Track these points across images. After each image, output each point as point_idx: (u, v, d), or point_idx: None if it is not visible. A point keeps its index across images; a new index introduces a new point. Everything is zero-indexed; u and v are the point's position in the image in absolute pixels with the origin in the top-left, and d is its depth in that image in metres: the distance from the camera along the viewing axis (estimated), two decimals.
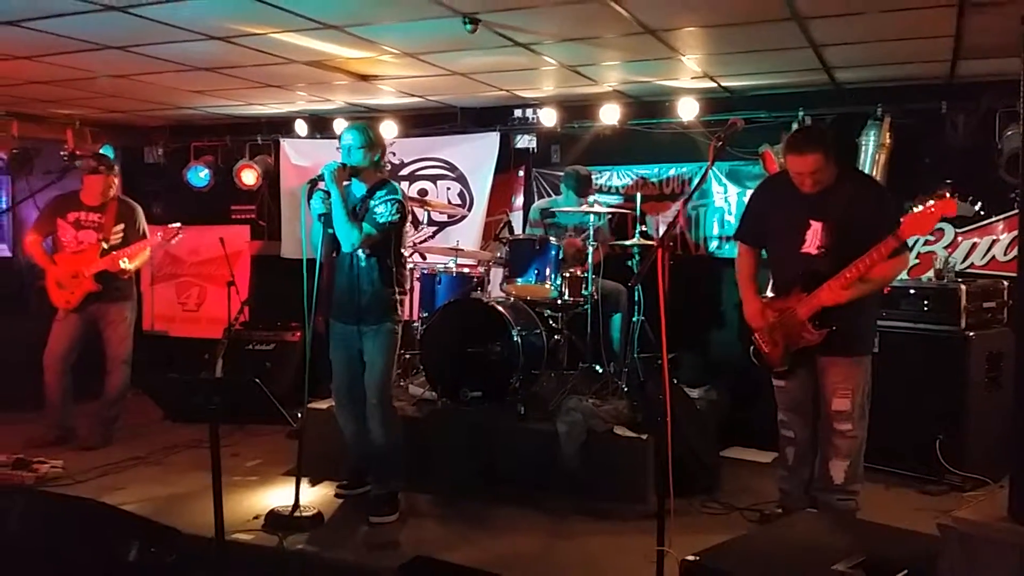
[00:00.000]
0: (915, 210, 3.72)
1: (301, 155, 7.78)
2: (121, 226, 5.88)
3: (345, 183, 4.42)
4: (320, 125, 7.69)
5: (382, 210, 4.39)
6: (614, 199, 6.93)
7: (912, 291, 5.37)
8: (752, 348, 4.33)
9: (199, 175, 8.00)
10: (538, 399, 5.31)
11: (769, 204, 4.36)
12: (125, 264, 5.75)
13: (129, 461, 5.50)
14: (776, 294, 4.28)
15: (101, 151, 7.60)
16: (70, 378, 5.88)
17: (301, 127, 7.66)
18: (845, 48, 5.17)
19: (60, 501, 4.08)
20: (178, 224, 6.05)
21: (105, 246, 5.76)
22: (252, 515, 4.50)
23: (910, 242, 6.00)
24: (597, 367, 5.64)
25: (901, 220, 3.80)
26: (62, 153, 7.72)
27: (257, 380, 3.24)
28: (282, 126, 7.86)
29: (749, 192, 6.42)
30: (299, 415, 4.89)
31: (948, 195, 3.70)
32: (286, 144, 7.82)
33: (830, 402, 4.12)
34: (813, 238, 4.07)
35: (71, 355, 5.85)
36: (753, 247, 4.44)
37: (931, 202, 3.69)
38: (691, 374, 5.98)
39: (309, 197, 4.45)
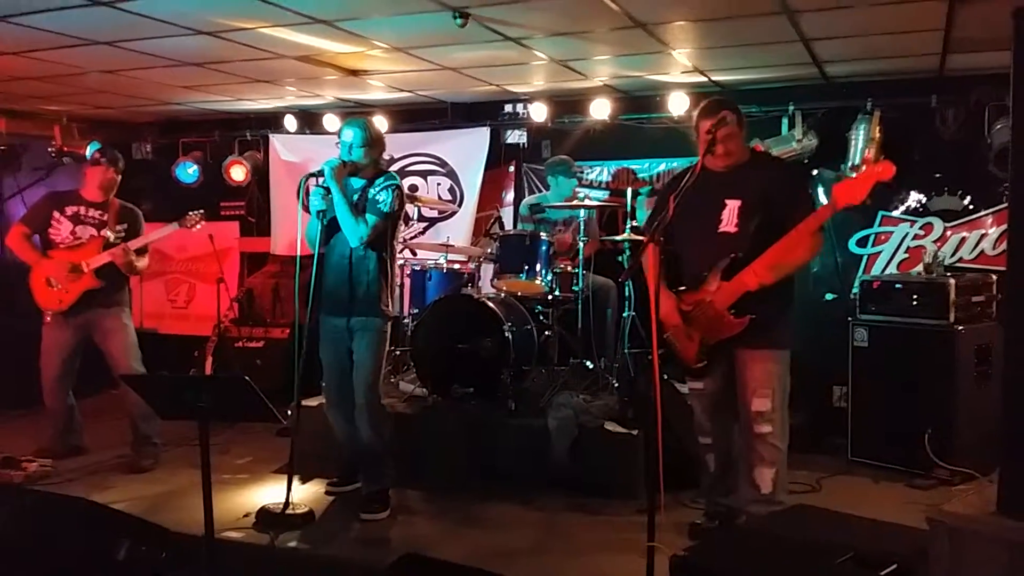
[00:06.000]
0: (848, 177, 3.62)
1: (290, 151, 7.74)
2: (124, 225, 5.41)
3: (345, 179, 4.40)
4: (309, 120, 7.66)
5: (383, 197, 4.38)
6: (604, 194, 6.93)
7: (901, 285, 5.39)
8: (663, 352, 4.01)
9: (187, 171, 7.96)
10: (529, 395, 5.31)
11: (681, 193, 3.82)
12: (132, 257, 5.26)
13: (118, 459, 5.47)
14: (688, 286, 4.02)
15: (90, 146, 7.57)
16: (72, 398, 5.48)
17: (290, 122, 7.62)
18: (835, 42, 5.17)
19: (49, 499, 4.05)
20: (200, 211, 5.61)
21: (111, 237, 5.31)
22: (242, 513, 4.48)
23: (897, 236, 6.09)
24: (588, 363, 5.63)
25: (830, 192, 3.65)
26: (50, 150, 7.67)
27: (247, 377, 3.22)
28: (271, 122, 7.82)
29: None
30: (289, 412, 4.88)
31: (884, 159, 3.60)
32: (275, 140, 7.79)
33: (750, 403, 3.88)
34: (730, 217, 3.88)
35: (71, 372, 5.42)
36: (663, 242, 4.09)
37: (866, 169, 3.54)
38: (681, 370, 5.97)
39: (306, 193, 4.43)
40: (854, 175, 3.61)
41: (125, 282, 5.49)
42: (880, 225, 6.16)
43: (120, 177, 5.54)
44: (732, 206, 3.89)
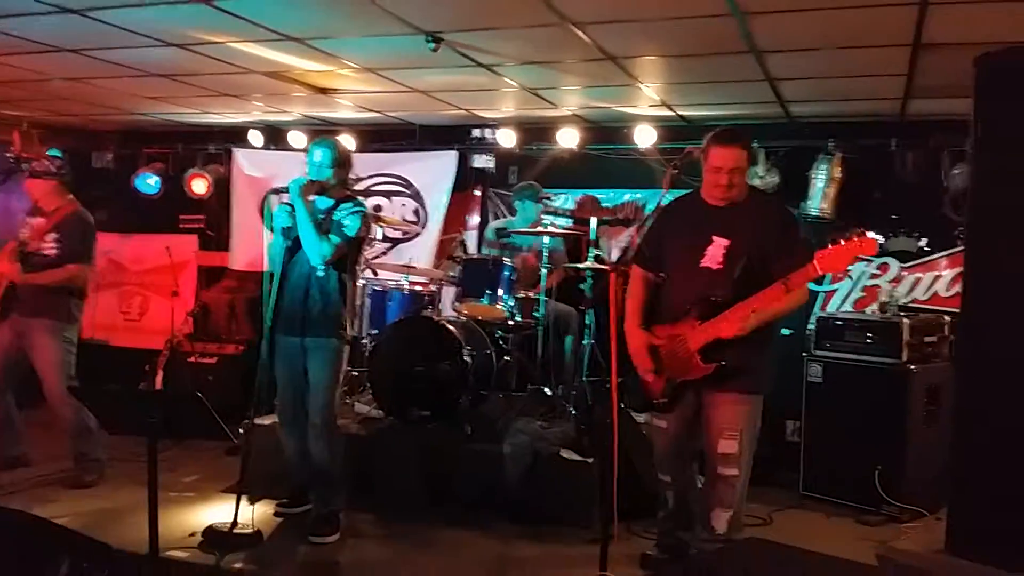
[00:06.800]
0: (832, 246, 3.49)
1: (254, 166, 7.69)
2: (54, 235, 5.13)
3: (311, 198, 4.37)
4: (275, 136, 7.62)
5: (349, 222, 4.36)
6: (569, 222, 6.95)
7: (856, 323, 5.46)
8: (622, 381, 3.97)
9: (148, 182, 7.87)
10: (486, 420, 5.28)
11: (672, 223, 4.01)
12: (15, 268, 5.02)
13: (62, 472, 5.34)
14: (665, 319, 3.93)
15: (48, 153, 7.45)
16: (12, 407, 5.32)
17: (255, 137, 7.57)
18: (800, 83, 5.27)
19: None
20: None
21: (35, 248, 5.11)
22: (188, 532, 4.38)
23: (854, 274, 6.20)
24: (546, 389, 5.62)
25: (814, 254, 3.53)
26: (8, 155, 7.55)
27: (199, 394, 3.17)
28: (235, 135, 7.76)
29: None
30: (240, 431, 4.80)
31: (867, 234, 3.49)
32: (239, 154, 7.73)
33: (715, 444, 3.78)
34: (715, 253, 3.80)
35: (7, 378, 5.24)
36: (648, 271, 4.08)
37: (850, 239, 3.46)
38: (639, 399, 5.98)
39: (270, 210, 4.39)
40: (838, 244, 3.55)
41: (53, 292, 5.15)
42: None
43: (56, 183, 5.31)
44: (719, 243, 3.79)
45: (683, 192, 4.17)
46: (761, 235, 3.77)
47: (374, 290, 5.95)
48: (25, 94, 6.55)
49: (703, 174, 3.86)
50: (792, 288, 3.58)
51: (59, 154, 7.44)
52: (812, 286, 6.15)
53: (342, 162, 4.47)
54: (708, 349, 3.72)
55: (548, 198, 6.55)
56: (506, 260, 5.58)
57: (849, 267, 3.55)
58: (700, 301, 3.76)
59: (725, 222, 3.83)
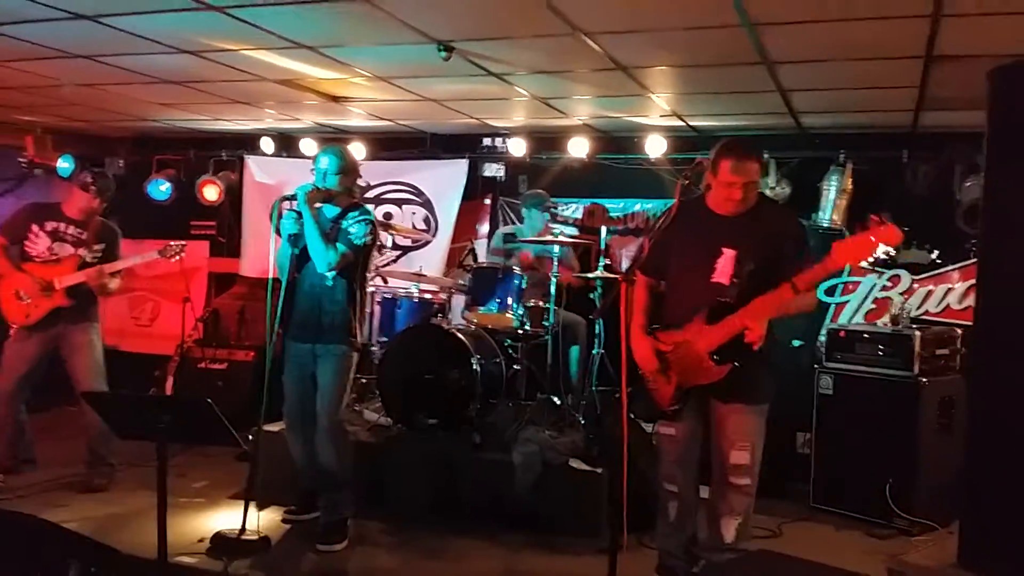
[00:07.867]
0: (849, 236, 3.33)
1: (266, 173, 7.71)
2: (102, 246, 5.31)
3: (318, 205, 4.38)
4: (287, 143, 7.64)
5: (355, 230, 4.37)
6: (577, 230, 6.96)
7: (868, 336, 5.43)
8: (631, 390, 3.80)
9: (160, 189, 7.90)
10: (495, 429, 5.27)
11: (678, 230, 3.76)
12: (106, 280, 5.16)
13: (71, 477, 5.35)
14: (669, 326, 3.82)
15: (62, 159, 7.49)
16: (24, 413, 5.33)
17: (267, 144, 7.59)
18: (811, 94, 5.26)
19: None
20: (182, 242, 5.57)
21: (87, 257, 5.22)
22: (197, 538, 4.39)
23: (865, 286, 6.18)
24: (555, 399, 5.61)
25: (831, 247, 3.38)
26: (21, 160, 7.58)
27: (209, 400, 3.17)
28: (247, 142, 7.79)
29: None
30: (250, 437, 4.80)
31: (886, 222, 3.31)
32: (251, 161, 7.75)
33: (727, 455, 3.74)
34: (725, 267, 3.69)
35: (26, 386, 5.27)
36: (652, 277, 3.95)
37: (872, 228, 3.28)
38: (653, 412, 5.96)
39: (278, 216, 4.41)
40: (857, 234, 3.31)
41: (95, 299, 5.37)
42: (848, 275, 6.25)
43: (102, 204, 5.39)
44: (729, 256, 3.68)
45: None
46: (771, 247, 3.67)
47: (384, 297, 5.95)
48: (37, 100, 6.58)
49: (712, 185, 3.76)
50: (800, 288, 3.45)
51: (71, 160, 7.51)
52: (823, 297, 6.20)
53: (348, 170, 4.47)
54: (720, 351, 3.63)
55: (555, 207, 6.56)
56: (515, 269, 5.57)
57: (869, 259, 3.29)
58: (707, 305, 3.66)
59: (734, 232, 3.73)
